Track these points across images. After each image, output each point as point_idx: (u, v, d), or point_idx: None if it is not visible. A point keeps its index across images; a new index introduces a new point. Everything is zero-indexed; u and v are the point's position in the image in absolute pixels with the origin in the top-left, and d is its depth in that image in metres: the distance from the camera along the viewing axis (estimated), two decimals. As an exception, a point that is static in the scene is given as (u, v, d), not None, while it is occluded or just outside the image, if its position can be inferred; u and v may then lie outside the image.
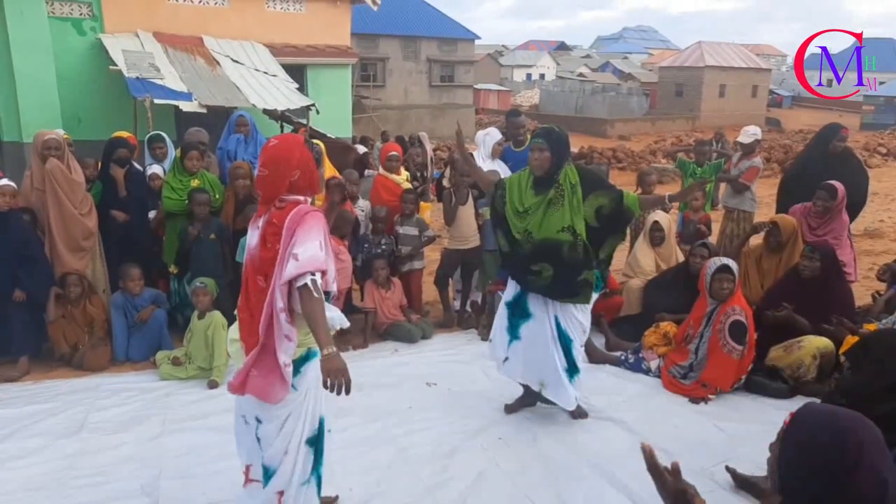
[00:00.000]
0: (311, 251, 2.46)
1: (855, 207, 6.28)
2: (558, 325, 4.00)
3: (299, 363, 2.61)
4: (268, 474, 2.69)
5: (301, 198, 2.62)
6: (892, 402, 2.92)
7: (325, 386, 2.31)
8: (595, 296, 4.07)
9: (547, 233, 3.76)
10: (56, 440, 3.91)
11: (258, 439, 2.70)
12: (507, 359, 4.17)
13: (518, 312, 4.08)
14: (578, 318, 4.00)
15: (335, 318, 2.69)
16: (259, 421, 2.68)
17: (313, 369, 2.62)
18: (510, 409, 4.35)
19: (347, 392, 2.29)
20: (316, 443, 2.73)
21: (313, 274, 2.45)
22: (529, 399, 4.34)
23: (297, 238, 2.48)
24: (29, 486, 3.44)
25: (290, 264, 2.44)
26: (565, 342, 4.01)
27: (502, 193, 3.97)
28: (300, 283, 2.44)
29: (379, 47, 27.57)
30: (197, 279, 5.03)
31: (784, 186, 6.76)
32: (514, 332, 4.10)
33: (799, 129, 33.33)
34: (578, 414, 4.22)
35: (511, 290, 4.14)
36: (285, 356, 2.52)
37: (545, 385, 4.08)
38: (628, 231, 5.44)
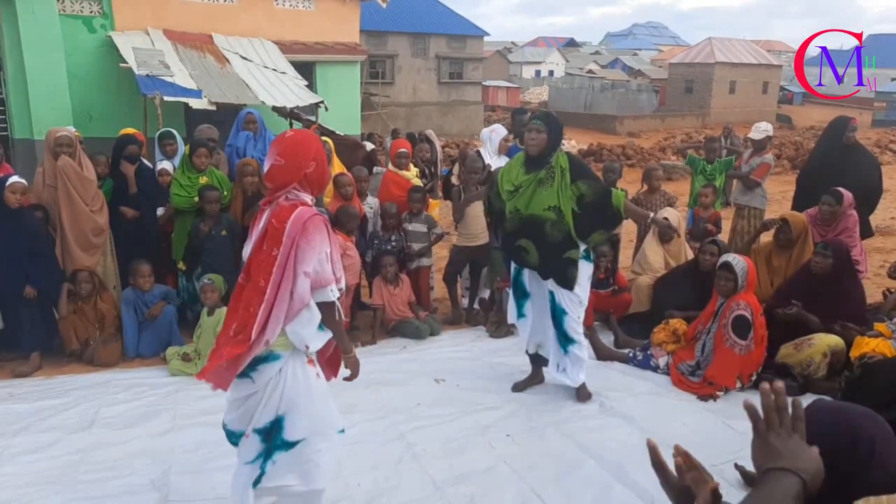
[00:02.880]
0: (321, 269, 2.56)
1: (874, 194, 6.26)
2: (553, 298, 4.22)
3: (259, 361, 2.63)
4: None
5: (308, 197, 2.65)
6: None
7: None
8: (588, 265, 4.24)
9: (533, 209, 4.01)
10: (67, 435, 3.95)
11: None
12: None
13: (518, 293, 4.41)
14: (574, 291, 4.18)
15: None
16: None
17: (269, 371, 2.65)
18: (517, 387, 4.58)
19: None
20: (265, 436, 2.72)
21: (333, 291, 2.60)
22: (537, 378, 4.60)
23: (300, 251, 2.53)
24: (41, 479, 3.47)
25: (302, 282, 2.52)
26: (558, 315, 4.23)
27: (496, 191, 4.24)
28: (321, 298, 2.58)
29: (388, 44, 27.54)
30: (205, 276, 5.06)
31: (801, 183, 6.72)
32: (520, 312, 4.45)
33: (810, 126, 33.06)
34: (584, 396, 4.38)
35: (511, 272, 4.43)
36: (252, 355, 2.58)
37: (542, 348, 4.45)
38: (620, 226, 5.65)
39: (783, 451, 1.36)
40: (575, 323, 4.24)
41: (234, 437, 2.81)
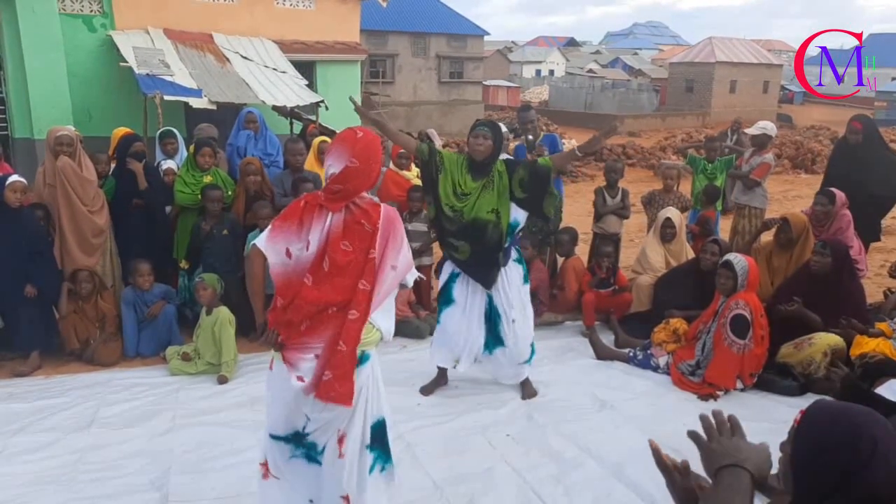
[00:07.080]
0: (405, 259, 2.61)
1: (884, 202, 6.19)
2: (491, 301, 4.25)
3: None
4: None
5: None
6: None
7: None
8: (520, 268, 4.32)
9: (477, 213, 4.05)
10: (67, 435, 3.94)
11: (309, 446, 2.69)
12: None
13: (443, 299, 4.37)
14: (520, 294, 4.29)
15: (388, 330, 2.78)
16: (308, 419, 2.64)
17: (365, 372, 2.69)
18: (426, 390, 4.55)
19: None
20: (380, 443, 2.81)
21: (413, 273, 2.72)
22: (444, 380, 4.61)
23: (391, 248, 2.56)
24: (40, 480, 3.47)
25: (389, 275, 2.56)
26: (493, 317, 4.27)
27: (439, 161, 4.17)
28: (410, 283, 2.68)
29: (388, 44, 27.52)
30: (198, 274, 5.06)
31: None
32: (437, 318, 4.44)
33: (810, 126, 32.95)
34: (528, 394, 4.44)
35: (443, 277, 4.39)
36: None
37: (460, 362, 4.39)
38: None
39: (726, 451, 1.52)
40: (509, 326, 4.27)
41: (314, 450, 2.71)
